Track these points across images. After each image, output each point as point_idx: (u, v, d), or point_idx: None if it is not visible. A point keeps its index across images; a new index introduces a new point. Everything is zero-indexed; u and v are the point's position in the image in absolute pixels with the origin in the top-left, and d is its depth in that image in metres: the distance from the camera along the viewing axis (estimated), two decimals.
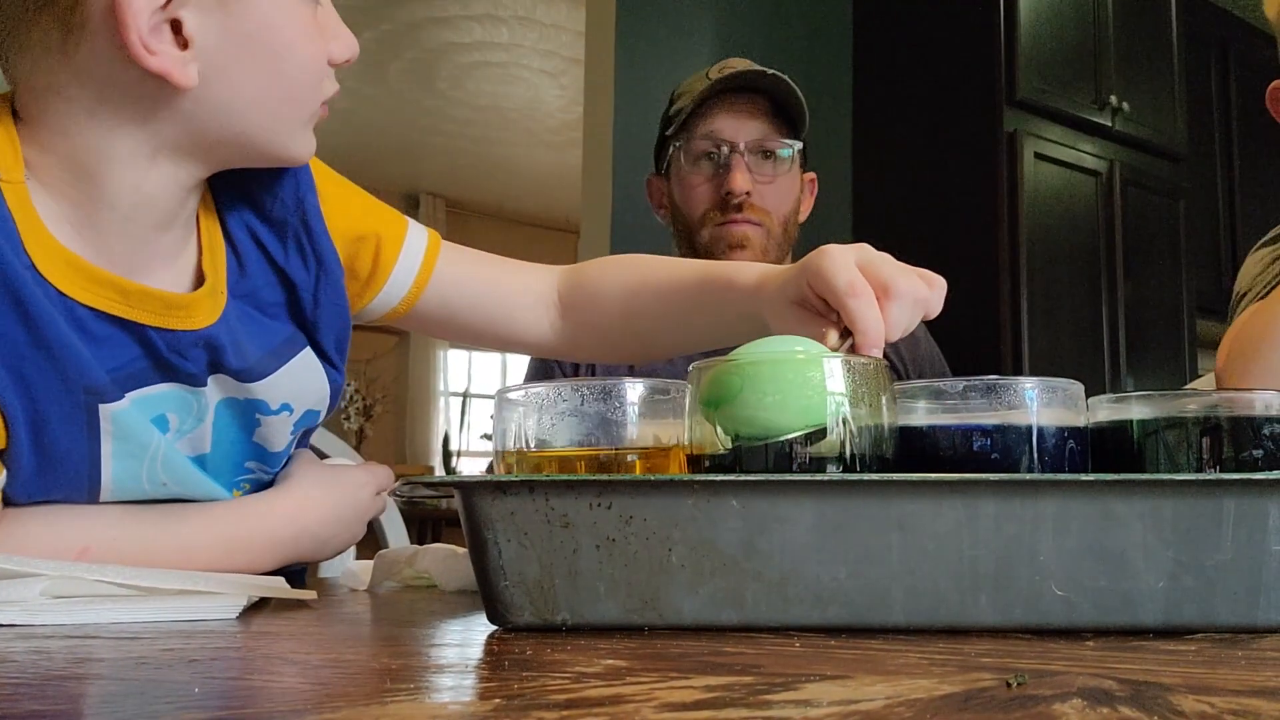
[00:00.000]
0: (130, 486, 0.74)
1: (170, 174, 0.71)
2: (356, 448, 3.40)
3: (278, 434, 0.84)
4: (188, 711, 0.32)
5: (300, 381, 0.83)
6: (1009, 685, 0.36)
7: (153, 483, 0.75)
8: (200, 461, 0.80)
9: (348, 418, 6.39)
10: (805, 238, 1.44)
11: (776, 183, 1.45)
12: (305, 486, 0.84)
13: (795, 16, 3.04)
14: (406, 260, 0.91)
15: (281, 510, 0.81)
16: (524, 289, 0.98)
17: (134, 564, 0.70)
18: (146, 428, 0.74)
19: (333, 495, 0.85)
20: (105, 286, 0.70)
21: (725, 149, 1.44)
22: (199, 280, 0.77)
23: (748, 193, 1.42)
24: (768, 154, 1.45)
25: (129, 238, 0.72)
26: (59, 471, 0.71)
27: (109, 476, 0.73)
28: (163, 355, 0.74)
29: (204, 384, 0.77)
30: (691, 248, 1.48)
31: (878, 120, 3.09)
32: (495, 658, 0.44)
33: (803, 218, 1.54)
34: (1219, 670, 0.40)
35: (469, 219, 6.50)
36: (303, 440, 0.90)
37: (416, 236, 0.92)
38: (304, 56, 0.72)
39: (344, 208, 0.87)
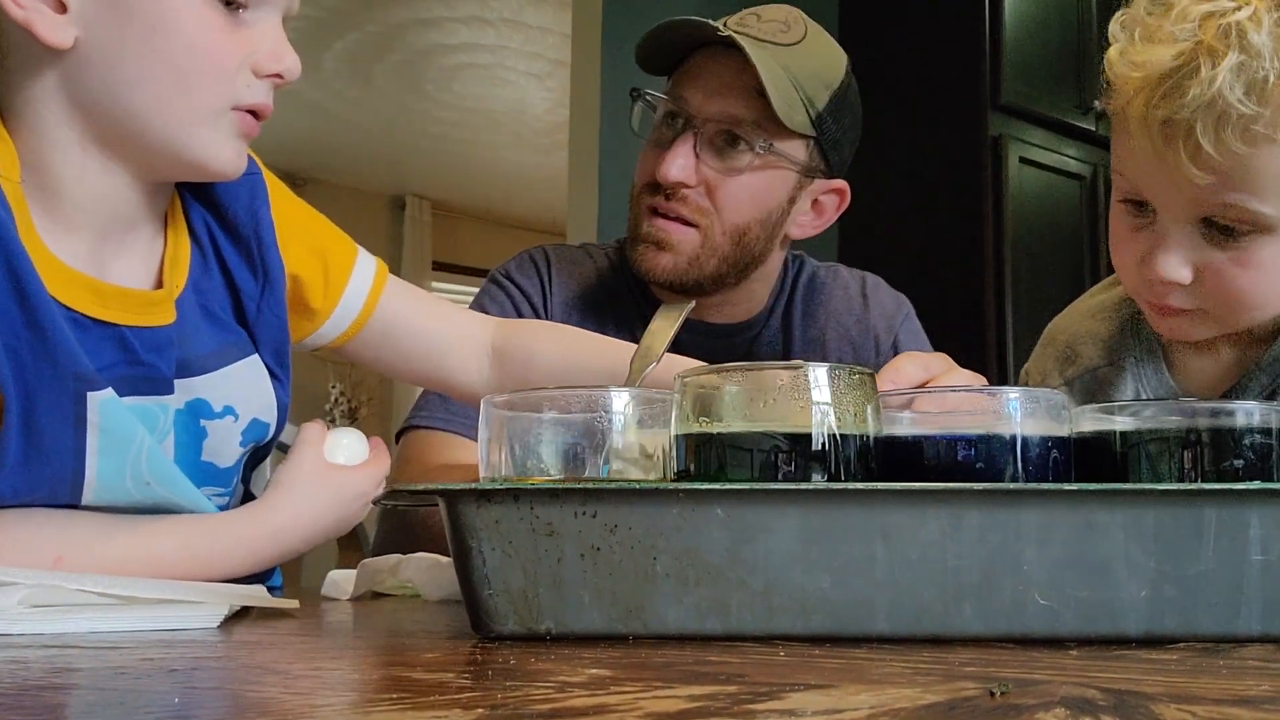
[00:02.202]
0: (113, 484, 0.73)
1: (104, 168, 0.73)
2: None
3: (225, 444, 0.83)
4: None
5: (244, 386, 0.83)
6: (992, 694, 0.36)
7: (136, 481, 0.74)
8: None
9: (333, 420, 6.37)
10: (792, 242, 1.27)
11: (729, 182, 1.11)
12: (297, 496, 0.81)
13: None
14: (356, 285, 0.92)
15: (268, 529, 0.79)
16: (463, 332, 0.99)
17: (108, 575, 0.69)
18: (131, 421, 0.73)
19: (326, 505, 0.82)
20: (81, 288, 0.72)
21: (680, 120, 1.12)
22: (160, 281, 0.79)
23: (682, 184, 1.10)
24: (732, 139, 1.11)
25: (96, 236, 0.74)
26: (45, 465, 0.71)
27: (92, 473, 0.72)
28: (140, 356, 0.74)
29: (172, 390, 0.77)
30: (628, 227, 1.19)
31: (862, 124, 3.10)
32: (479, 667, 0.44)
33: (799, 234, 1.21)
34: (1201, 679, 0.40)
35: (455, 221, 6.48)
36: (254, 462, 0.89)
37: (365, 263, 0.94)
38: (195, 44, 0.71)
39: (300, 227, 0.89)
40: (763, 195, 1.14)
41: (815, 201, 1.20)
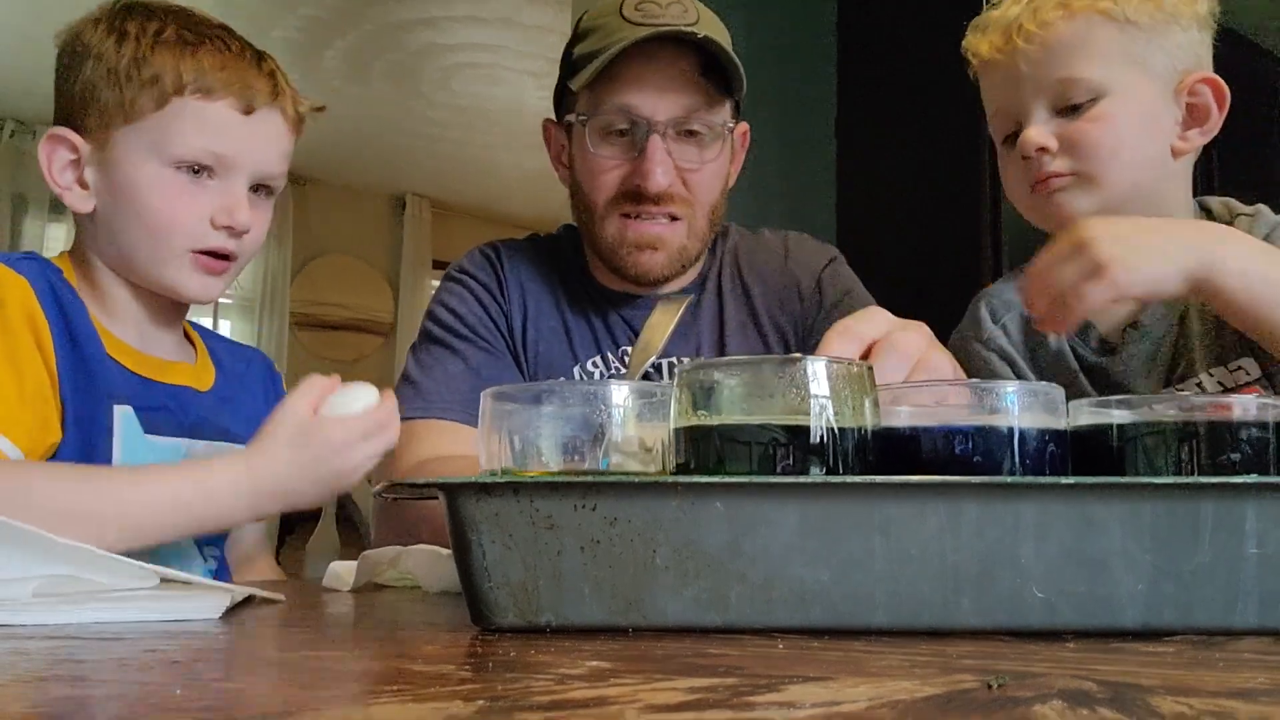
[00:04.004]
0: None
1: (130, 290, 1.01)
2: None
3: None
4: (169, 714, 0.32)
5: None
6: (990, 687, 0.36)
7: None
8: None
9: None
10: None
11: (701, 169, 1.15)
12: (277, 447, 0.88)
13: (779, 18, 3.05)
14: None
15: (256, 475, 0.87)
16: None
17: (105, 497, 0.82)
18: (141, 438, 0.95)
19: (306, 456, 0.88)
20: (129, 352, 0.98)
21: (641, 126, 1.12)
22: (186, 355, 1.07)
23: (669, 187, 1.14)
24: (695, 133, 1.14)
25: (138, 332, 1.02)
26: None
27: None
28: (164, 400, 0.98)
29: (190, 435, 0.99)
30: (592, 239, 1.21)
31: (861, 122, 3.10)
32: (479, 659, 0.44)
33: (730, 182, 1.24)
34: (1197, 672, 0.40)
35: (454, 220, 6.48)
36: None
37: None
38: (157, 207, 0.96)
39: None
40: (721, 168, 1.19)
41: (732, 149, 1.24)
